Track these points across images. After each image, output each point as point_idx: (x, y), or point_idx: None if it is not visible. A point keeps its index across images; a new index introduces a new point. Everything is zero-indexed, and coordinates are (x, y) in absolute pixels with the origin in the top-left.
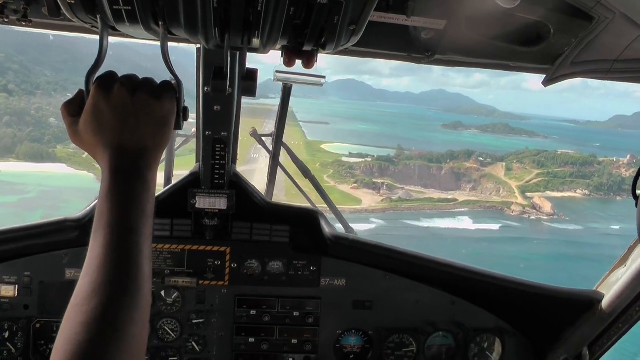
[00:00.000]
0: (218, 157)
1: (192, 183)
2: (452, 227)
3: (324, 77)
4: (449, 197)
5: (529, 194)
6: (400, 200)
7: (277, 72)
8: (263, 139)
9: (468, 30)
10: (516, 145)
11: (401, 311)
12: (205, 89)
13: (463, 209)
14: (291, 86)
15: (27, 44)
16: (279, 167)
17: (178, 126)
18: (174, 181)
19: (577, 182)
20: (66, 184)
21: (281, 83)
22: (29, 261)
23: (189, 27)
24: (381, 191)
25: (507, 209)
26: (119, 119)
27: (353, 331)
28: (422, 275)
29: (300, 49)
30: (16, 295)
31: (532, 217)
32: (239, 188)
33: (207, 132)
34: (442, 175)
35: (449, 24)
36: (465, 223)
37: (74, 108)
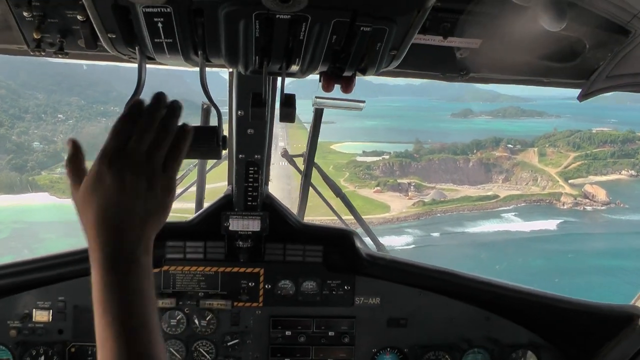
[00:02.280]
0: (251, 180)
1: (225, 206)
2: (503, 230)
3: (363, 101)
4: (489, 193)
5: (571, 181)
6: (434, 203)
7: (316, 97)
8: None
9: (503, 49)
10: (532, 127)
11: (436, 328)
12: (239, 112)
13: (508, 207)
14: (323, 109)
15: (18, 68)
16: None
17: (217, 155)
18: (205, 204)
19: (620, 162)
20: (46, 218)
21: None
22: (62, 286)
23: (229, 56)
24: (409, 193)
25: (557, 202)
26: (124, 200)
27: (388, 349)
28: (455, 291)
29: (338, 74)
30: (50, 320)
31: (588, 208)
32: (272, 209)
33: (241, 155)
34: (470, 168)
35: (484, 43)
36: (515, 223)
37: (74, 164)
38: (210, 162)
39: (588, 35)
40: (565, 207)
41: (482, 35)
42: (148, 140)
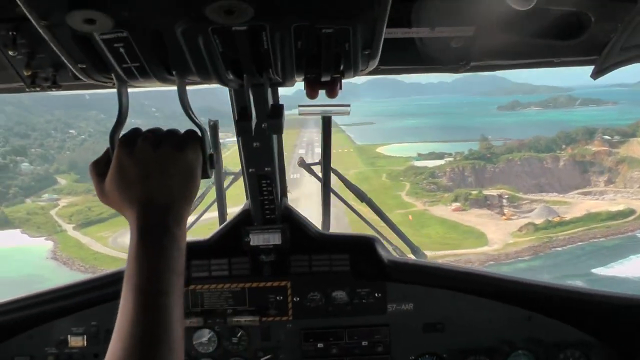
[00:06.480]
0: (266, 193)
1: (244, 220)
2: None
3: (348, 105)
4: (621, 207)
5: None
6: (550, 227)
7: (300, 106)
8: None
9: (501, 33)
10: (597, 116)
11: (474, 331)
12: None
13: None
14: (330, 116)
15: None
16: (333, 195)
17: (205, 174)
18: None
19: None
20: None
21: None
22: (94, 311)
23: (200, 73)
24: (505, 210)
25: None
26: (143, 174)
27: (427, 356)
28: (492, 292)
29: (318, 80)
30: (85, 345)
31: None
32: (292, 221)
33: (251, 170)
34: (560, 169)
35: (478, 29)
36: None
37: (101, 167)
38: (229, 178)
39: (591, 7)
40: None
41: (474, 21)
42: (157, 134)
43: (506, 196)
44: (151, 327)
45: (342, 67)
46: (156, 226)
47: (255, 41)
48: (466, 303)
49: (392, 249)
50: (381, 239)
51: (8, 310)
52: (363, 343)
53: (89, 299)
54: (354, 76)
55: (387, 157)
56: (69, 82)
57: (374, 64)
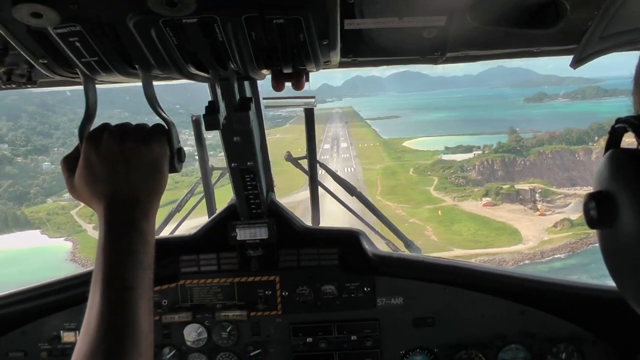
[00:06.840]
0: (250, 187)
1: (231, 215)
2: None
3: (313, 97)
4: None
5: None
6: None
7: (264, 98)
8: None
9: (474, 22)
10: (625, 107)
11: (466, 325)
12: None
13: None
14: (312, 108)
15: None
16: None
17: (173, 169)
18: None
19: None
20: (13, 274)
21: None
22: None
23: (161, 68)
24: (538, 205)
25: None
26: (109, 168)
27: (418, 350)
28: (484, 286)
29: (281, 72)
30: (77, 340)
31: None
32: (278, 216)
33: (233, 164)
34: (592, 162)
35: (450, 18)
36: None
37: (71, 162)
38: (216, 174)
39: None
40: None
41: (444, 10)
42: (123, 128)
43: (539, 190)
44: (116, 321)
45: (301, 60)
46: (123, 220)
47: (210, 33)
48: (458, 297)
49: (385, 243)
50: (368, 233)
51: (2, 305)
52: (352, 337)
53: (81, 293)
54: (317, 69)
55: (414, 151)
56: (44, 79)
57: (336, 54)
